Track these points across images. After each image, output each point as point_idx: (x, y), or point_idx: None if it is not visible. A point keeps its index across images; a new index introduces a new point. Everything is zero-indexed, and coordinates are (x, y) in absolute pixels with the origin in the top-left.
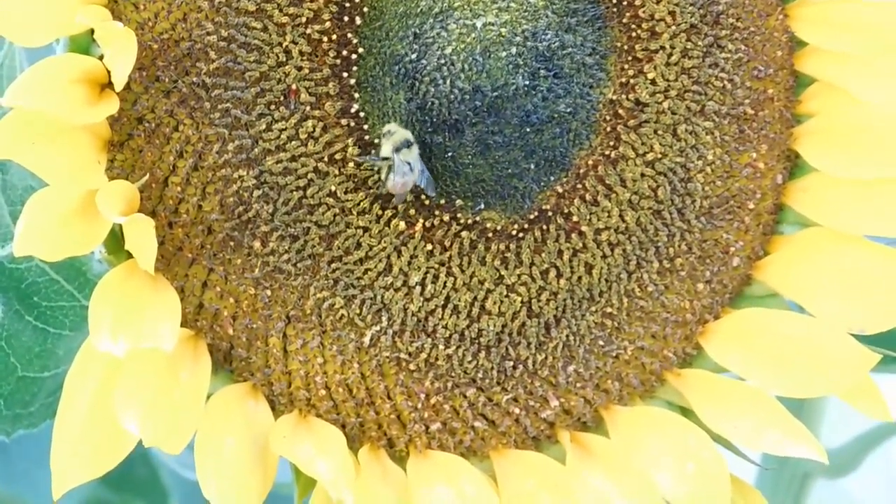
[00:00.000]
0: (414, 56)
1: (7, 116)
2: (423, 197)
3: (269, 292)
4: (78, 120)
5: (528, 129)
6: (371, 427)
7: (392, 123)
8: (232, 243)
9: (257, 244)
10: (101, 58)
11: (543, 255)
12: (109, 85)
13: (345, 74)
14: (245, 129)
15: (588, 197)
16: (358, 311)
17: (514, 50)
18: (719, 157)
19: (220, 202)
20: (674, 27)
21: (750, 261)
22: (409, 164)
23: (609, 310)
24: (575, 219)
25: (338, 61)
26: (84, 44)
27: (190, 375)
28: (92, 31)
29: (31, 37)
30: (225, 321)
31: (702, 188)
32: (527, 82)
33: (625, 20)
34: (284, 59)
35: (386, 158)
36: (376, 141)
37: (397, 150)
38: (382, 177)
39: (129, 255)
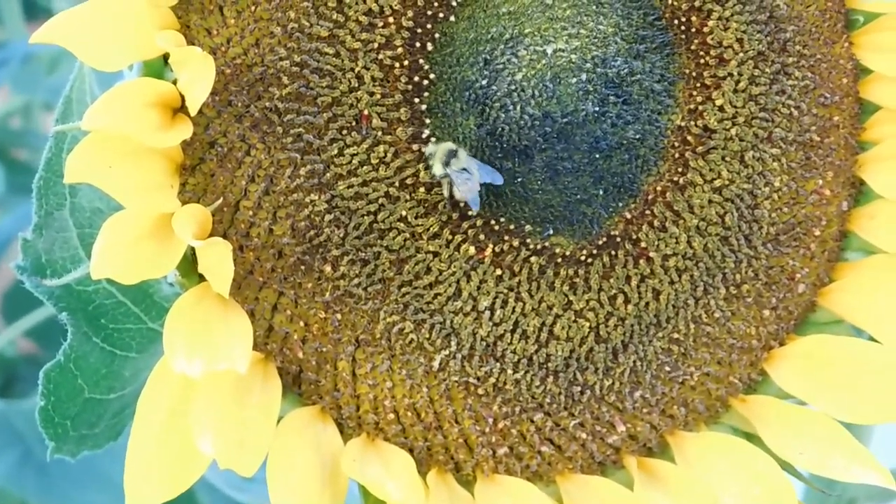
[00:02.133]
0: (484, 82)
1: (84, 140)
2: (492, 222)
3: (339, 316)
4: (154, 143)
5: (597, 156)
6: (438, 451)
7: (429, 145)
8: (303, 267)
9: (328, 268)
10: (174, 82)
11: (612, 280)
12: (181, 109)
13: (416, 100)
14: (317, 154)
15: (656, 223)
16: (427, 336)
17: (584, 76)
18: (786, 184)
19: (292, 226)
20: (741, 54)
21: (815, 287)
22: (464, 170)
23: (676, 335)
24: (643, 245)
25: (409, 87)
26: (157, 68)
27: (260, 398)
28: (166, 56)
29: (108, 61)
30: (294, 344)
31: (769, 215)
32: (596, 108)
33: (693, 47)
34: (357, 85)
35: (444, 176)
36: (429, 161)
37: (446, 163)
38: (446, 193)
39: (202, 278)
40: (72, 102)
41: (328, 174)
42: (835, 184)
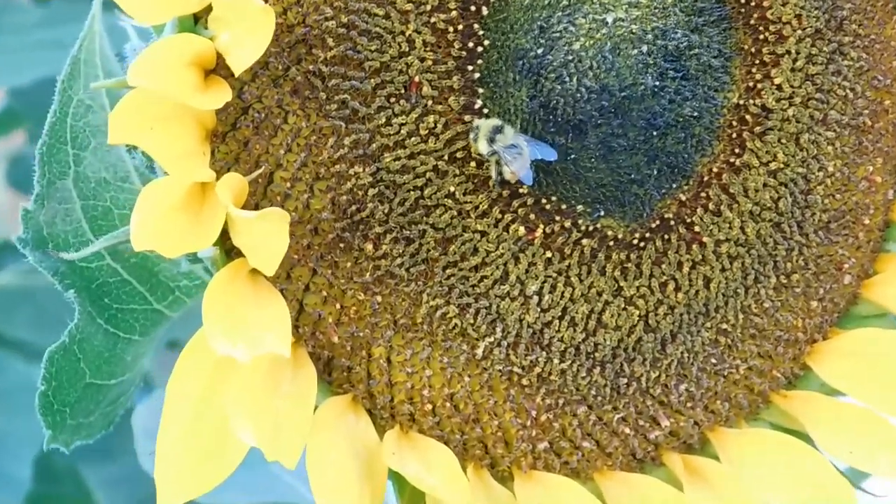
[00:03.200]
0: (539, 51)
1: (127, 98)
2: (543, 201)
3: (378, 298)
4: (198, 104)
5: (653, 133)
6: (475, 446)
7: (475, 120)
8: (342, 245)
9: (369, 246)
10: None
11: (664, 266)
12: (213, 71)
13: (469, 68)
14: (363, 123)
15: (711, 206)
16: (472, 321)
17: (644, 48)
18: (839, 169)
19: (332, 200)
20: (799, 31)
21: (859, 279)
22: (512, 146)
23: (724, 326)
24: (697, 229)
25: (463, 53)
26: (187, 27)
27: (294, 386)
28: (195, 15)
29: (150, 12)
30: (328, 328)
31: (821, 201)
32: (656, 83)
33: (752, 22)
34: (407, 49)
35: (493, 153)
36: (471, 138)
37: (492, 140)
38: (493, 173)
39: (229, 255)
40: (79, 63)
41: (374, 145)
42: (884, 171)
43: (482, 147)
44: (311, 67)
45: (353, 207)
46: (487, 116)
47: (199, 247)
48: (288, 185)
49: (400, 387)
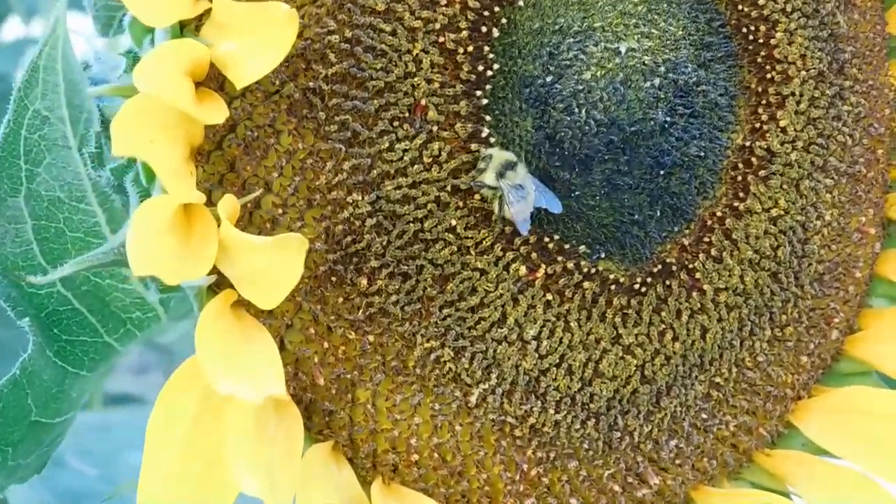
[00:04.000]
0: (548, 79)
1: (127, 107)
2: (545, 240)
3: (370, 338)
4: (202, 116)
5: (659, 172)
6: (458, 501)
7: (493, 148)
8: (333, 278)
9: (363, 281)
10: None
11: (663, 314)
12: (203, 83)
13: (477, 93)
14: (364, 147)
15: (713, 252)
16: (467, 366)
17: (656, 81)
18: (835, 219)
19: (326, 230)
20: (804, 72)
21: (844, 335)
22: (520, 186)
23: (717, 380)
24: (698, 276)
25: (472, 77)
26: (175, 35)
27: (280, 430)
28: (180, 24)
29: (159, 15)
30: (313, 368)
31: (818, 251)
32: (666, 118)
33: (758, 60)
34: (414, 70)
35: (493, 188)
36: (480, 165)
37: (501, 175)
38: (495, 208)
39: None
40: (38, 70)
41: (374, 171)
42: (874, 222)
43: (489, 178)
44: (310, 84)
45: (349, 238)
46: (504, 147)
47: (195, 275)
48: (279, 211)
49: (385, 434)
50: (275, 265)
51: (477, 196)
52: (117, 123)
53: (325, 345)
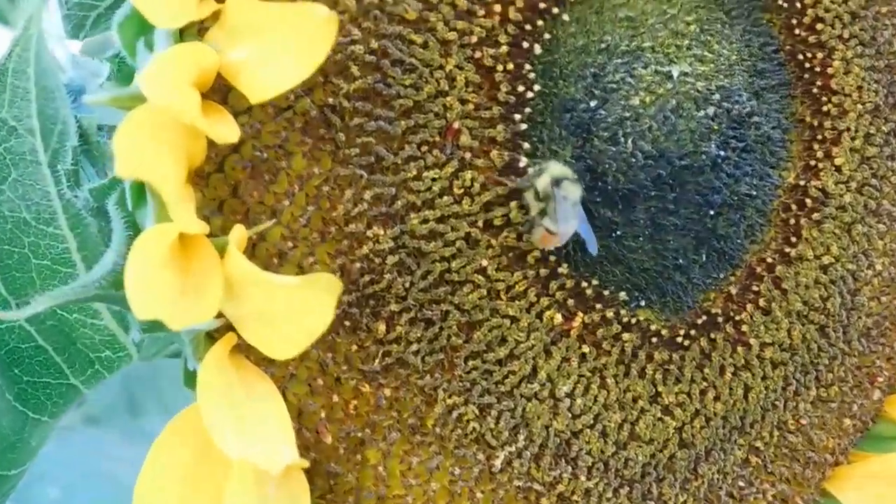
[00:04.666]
0: (592, 104)
1: (127, 123)
2: (583, 285)
3: (386, 392)
4: (217, 134)
5: (708, 212)
6: None
7: (550, 160)
8: (347, 323)
9: (381, 327)
10: None
11: (706, 370)
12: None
13: (516, 117)
14: (387, 174)
15: (762, 303)
16: (492, 426)
17: (710, 110)
18: (886, 268)
19: (342, 268)
20: (860, 105)
21: (884, 394)
22: (573, 204)
23: (758, 444)
24: (744, 329)
25: (511, 99)
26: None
27: (280, 493)
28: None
29: (172, 14)
30: (319, 424)
31: (867, 303)
32: (720, 153)
33: (814, 90)
34: (447, 88)
35: (543, 197)
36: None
37: (556, 184)
38: (533, 218)
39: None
40: (6, 74)
41: (399, 202)
42: None
43: (542, 182)
44: (329, 100)
45: (367, 278)
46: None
47: (203, 318)
48: (288, 244)
49: (397, 502)
50: (299, 309)
51: (511, 234)
52: (121, 139)
53: (334, 398)
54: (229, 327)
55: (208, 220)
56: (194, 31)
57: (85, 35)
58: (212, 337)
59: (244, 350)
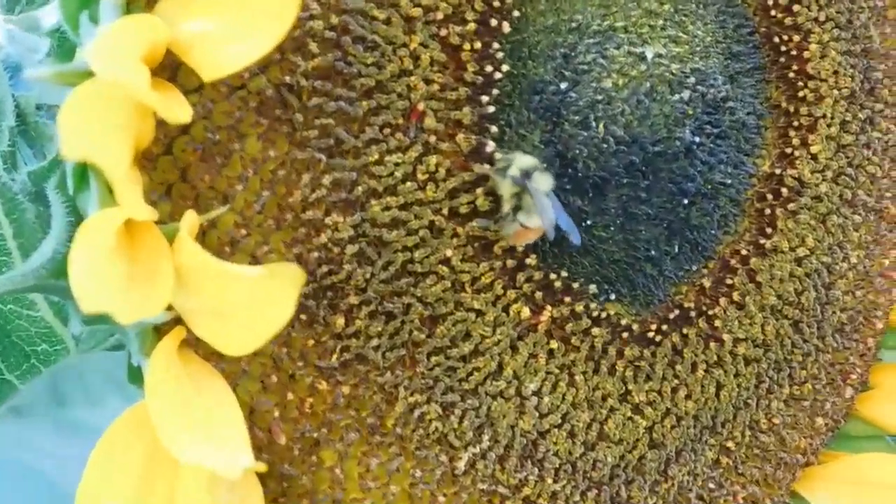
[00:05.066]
0: (562, 85)
1: (72, 99)
2: (552, 277)
3: (344, 389)
4: (168, 113)
5: (682, 201)
6: None
7: (516, 152)
8: (303, 316)
9: (340, 321)
10: None
11: (678, 367)
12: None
13: (483, 98)
14: (347, 158)
15: (736, 297)
16: (456, 426)
17: (685, 94)
18: (861, 261)
19: (299, 257)
20: (836, 91)
21: (856, 392)
22: (545, 195)
23: (729, 444)
24: (717, 324)
25: (478, 79)
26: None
27: (232, 497)
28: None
29: None
30: (272, 424)
31: (841, 297)
32: (694, 139)
33: (790, 75)
34: (411, 67)
35: (516, 186)
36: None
37: (527, 175)
38: (507, 214)
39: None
40: None
41: (359, 188)
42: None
43: (513, 172)
44: (285, 79)
45: (325, 268)
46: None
47: (154, 310)
48: (241, 231)
49: None
50: (258, 302)
51: (475, 223)
52: (67, 116)
53: (289, 396)
54: (177, 321)
55: (155, 205)
56: (142, 2)
57: (21, 10)
58: (157, 330)
59: (193, 345)
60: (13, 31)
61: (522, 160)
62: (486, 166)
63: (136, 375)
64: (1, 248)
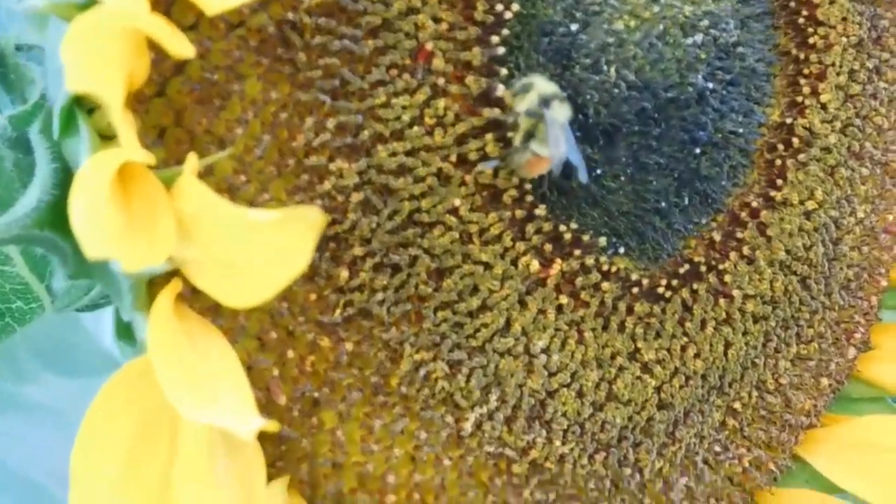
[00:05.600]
0: (573, 27)
1: (76, 28)
2: (561, 228)
3: (347, 346)
4: (171, 47)
5: (694, 150)
6: None
7: (535, 76)
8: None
9: (343, 273)
10: None
11: (687, 324)
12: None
13: (493, 39)
14: (353, 101)
15: (746, 251)
16: (462, 385)
17: (698, 38)
18: (868, 216)
19: (301, 205)
20: (844, 39)
21: (858, 352)
22: (562, 126)
23: (736, 405)
24: (727, 279)
25: (489, 18)
26: None
27: (232, 462)
28: None
29: None
30: (271, 383)
31: (848, 253)
32: (708, 85)
33: (799, 21)
34: (419, 5)
35: (533, 115)
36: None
37: (545, 102)
38: (517, 143)
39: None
40: None
41: (366, 132)
42: None
43: (529, 102)
44: (287, 15)
45: (328, 218)
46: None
47: (158, 258)
48: (240, 178)
49: (355, 470)
50: (272, 249)
51: (480, 169)
52: (72, 43)
53: (289, 354)
54: (172, 274)
55: (148, 150)
56: None
57: None
58: (150, 284)
59: (186, 298)
60: None
61: (542, 85)
62: (502, 94)
63: (124, 332)
64: None
